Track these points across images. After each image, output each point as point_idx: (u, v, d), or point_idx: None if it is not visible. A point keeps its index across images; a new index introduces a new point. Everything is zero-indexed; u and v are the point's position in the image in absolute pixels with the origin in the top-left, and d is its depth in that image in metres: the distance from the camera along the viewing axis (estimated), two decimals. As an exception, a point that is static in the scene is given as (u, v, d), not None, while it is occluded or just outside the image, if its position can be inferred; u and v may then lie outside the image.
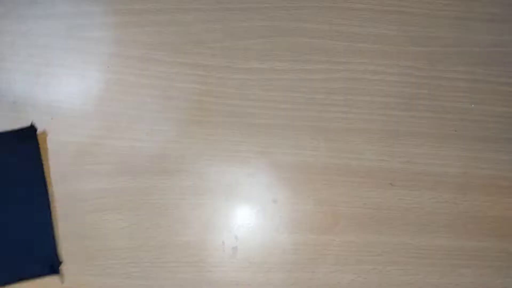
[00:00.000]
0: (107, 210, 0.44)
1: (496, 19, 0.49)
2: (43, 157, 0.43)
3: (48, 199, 0.43)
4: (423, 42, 0.49)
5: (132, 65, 0.47)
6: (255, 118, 0.46)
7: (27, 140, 0.43)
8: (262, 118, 0.46)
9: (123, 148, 0.45)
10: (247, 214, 0.44)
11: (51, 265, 0.42)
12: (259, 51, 0.48)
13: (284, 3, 0.49)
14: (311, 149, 0.46)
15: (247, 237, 0.44)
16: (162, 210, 0.44)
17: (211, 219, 0.44)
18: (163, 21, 0.48)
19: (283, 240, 0.44)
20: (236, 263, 0.43)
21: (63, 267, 0.42)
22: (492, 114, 0.48)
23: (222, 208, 0.44)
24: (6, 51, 0.47)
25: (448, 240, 0.45)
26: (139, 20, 0.48)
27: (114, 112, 0.46)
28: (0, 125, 0.45)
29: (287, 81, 0.47)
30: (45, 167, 0.43)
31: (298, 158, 0.45)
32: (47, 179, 0.43)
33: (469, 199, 0.46)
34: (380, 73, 0.48)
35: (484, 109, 0.48)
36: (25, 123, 0.45)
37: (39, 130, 0.44)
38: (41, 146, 0.43)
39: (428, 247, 0.44)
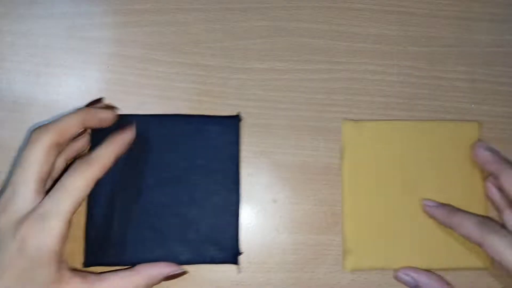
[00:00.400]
0: (107, 210, 0.44)
1: (497, 19, 0.49)
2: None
3: (239, 190, 0.44)
4: (423, 42, 0.49)
5: (132, 65, 0.47)
6: (255, 118, 0.46)
7: (231, 127, 0.45)
8: (262, 118, 0.46)
9: (123, 148, 0.45)
10: (247, 214, 0.44)
11: (233, 254, 0.42)
12: (259, 51, 0.48)
13: (284, 3, 0.49)
14: (311, 149, 0.46)
15: (247, 237, 0.44)
16: (162, 210, 0.44)
17: (211, 219, 0.44)
18: (163, 21, 0.48)
19: (283, 240, 0.44)
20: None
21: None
22: (492, 114, 0.47)
23: (222, 208, 0.44)
24: (6, 51, 0.47)
25: (448, 240, 0.45)
26: (139, 20, 0.48)
27: (114, 112, 0.46)
28: (0, 125, 0.45)
29: (287, 81, 0.47)
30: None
31: (298, 158, 0.45)
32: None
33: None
34: (380, 73, 0.48)
35: (484, 109, 0.48)
36: (25, 123, 0.45)
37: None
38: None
39: (428, 247, 0.44)
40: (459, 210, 0.42)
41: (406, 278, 0.41)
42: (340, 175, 0.45)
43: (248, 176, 0.45)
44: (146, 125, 0.44)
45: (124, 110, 0.45)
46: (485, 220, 0.40)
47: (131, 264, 0.40)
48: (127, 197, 0.42)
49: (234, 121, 0.45)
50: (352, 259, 0.43)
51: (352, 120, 0.46)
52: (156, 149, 0.43)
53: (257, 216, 0.44)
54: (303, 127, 0.46)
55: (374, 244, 0.43)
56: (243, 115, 0.46)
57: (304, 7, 0.49)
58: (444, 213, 0.42)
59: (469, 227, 0.39)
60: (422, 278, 0.41)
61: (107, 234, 0.42)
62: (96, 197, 0.42)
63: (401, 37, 0.49)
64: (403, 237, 0.43)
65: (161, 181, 0.43)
